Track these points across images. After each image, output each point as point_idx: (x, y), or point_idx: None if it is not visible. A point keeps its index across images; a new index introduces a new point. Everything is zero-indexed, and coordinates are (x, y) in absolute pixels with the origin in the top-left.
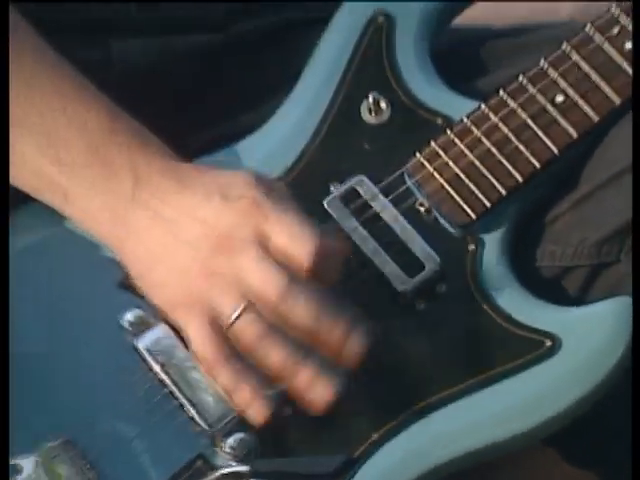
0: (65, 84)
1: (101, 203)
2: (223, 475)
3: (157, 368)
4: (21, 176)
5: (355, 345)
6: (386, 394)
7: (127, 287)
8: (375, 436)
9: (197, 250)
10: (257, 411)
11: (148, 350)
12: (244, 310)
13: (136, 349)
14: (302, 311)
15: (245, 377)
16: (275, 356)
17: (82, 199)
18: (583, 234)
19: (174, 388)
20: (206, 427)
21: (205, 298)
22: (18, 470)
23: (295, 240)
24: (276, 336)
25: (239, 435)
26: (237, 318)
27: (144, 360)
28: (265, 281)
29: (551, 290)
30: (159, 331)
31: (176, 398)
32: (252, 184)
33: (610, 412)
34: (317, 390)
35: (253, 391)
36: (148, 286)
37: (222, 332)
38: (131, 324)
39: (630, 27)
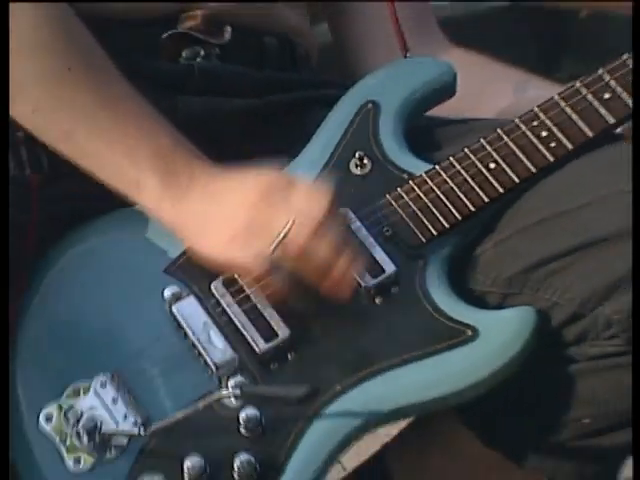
0: (144, 111)
1: (163, 192)
2: (219, 397)
3: (185, 326)
4: (104, 172)
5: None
6: (349, 358)
7: (169, 272)
8: (338, 387)
9: (239, 210)
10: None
11: (180, 313)
12: (288, 231)
13: (172, 313)
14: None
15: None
16: (324, 247)
17: (150, 188)
18: (498, 269)
19: (195, 340)
20: (215, 370)
21: (252, 238)
22: (78, 392)
23: (312, 194)
24: (317, 238)
25: (238, 377)
26: (287, 233)
27: (176, 320)
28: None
29: (474, 301)
30: (188, 301)
31: (195, 348)
32: (274, 171)
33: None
34: (355, 268)
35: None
36: (205, 247)
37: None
38: (169, 296)
39: (547, 121)
